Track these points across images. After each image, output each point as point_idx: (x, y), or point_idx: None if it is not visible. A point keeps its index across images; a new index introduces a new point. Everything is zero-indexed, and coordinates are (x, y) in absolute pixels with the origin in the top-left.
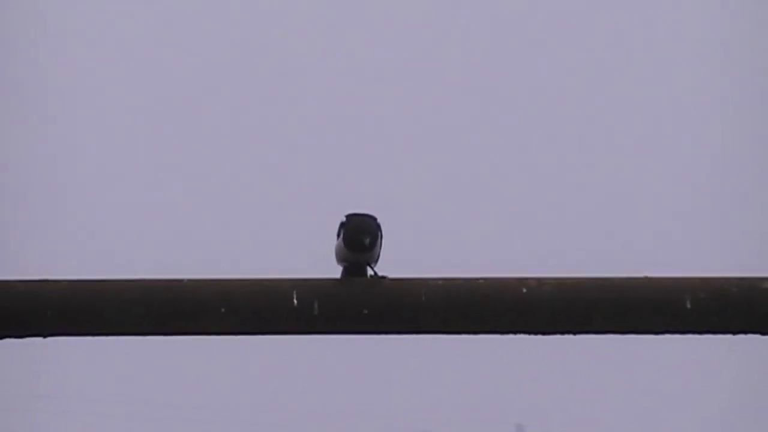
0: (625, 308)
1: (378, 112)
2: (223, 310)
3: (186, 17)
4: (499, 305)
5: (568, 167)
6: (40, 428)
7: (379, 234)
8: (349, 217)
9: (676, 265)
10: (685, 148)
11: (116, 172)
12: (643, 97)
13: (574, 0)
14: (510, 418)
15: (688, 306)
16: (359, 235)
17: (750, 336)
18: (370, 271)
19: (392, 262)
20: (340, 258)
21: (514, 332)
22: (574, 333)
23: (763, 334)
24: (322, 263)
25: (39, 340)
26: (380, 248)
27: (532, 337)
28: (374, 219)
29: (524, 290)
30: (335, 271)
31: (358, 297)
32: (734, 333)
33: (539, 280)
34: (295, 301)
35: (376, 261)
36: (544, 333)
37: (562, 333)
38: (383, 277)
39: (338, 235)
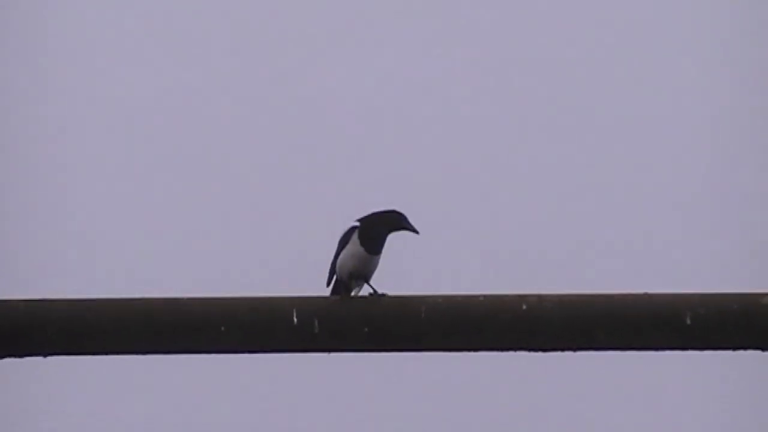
0: (625, 325)
1: (376, 127)
2: (223, 328)
3: (191, 18)
4: (500, 322)
5: (565, 181)
6: None
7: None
8: (363, 219)
9: (677, 282)
10: (687, 162)
11: (113, 186)
12: (640, 107)
13: (574, 4)
14: None
15: (689, 322)
16: (377, 227)
17: (750, 351)
18: (369, 289)
19: (392, 279)
20: (348, 267)
21: (515, 349)
22: (575, 350)
23: (764, 349)
24: (322, 280)
25: (39, 359)
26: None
27: (533, 354)
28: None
29: (524, 307)
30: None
31: (359, 315)
32: (734, 349)
33: (540, 296)
34: (296, 319)
35: (371, 275)
36: (544, 350)
37: (563, 350)
38: (383, 295)
39: (343, 243)
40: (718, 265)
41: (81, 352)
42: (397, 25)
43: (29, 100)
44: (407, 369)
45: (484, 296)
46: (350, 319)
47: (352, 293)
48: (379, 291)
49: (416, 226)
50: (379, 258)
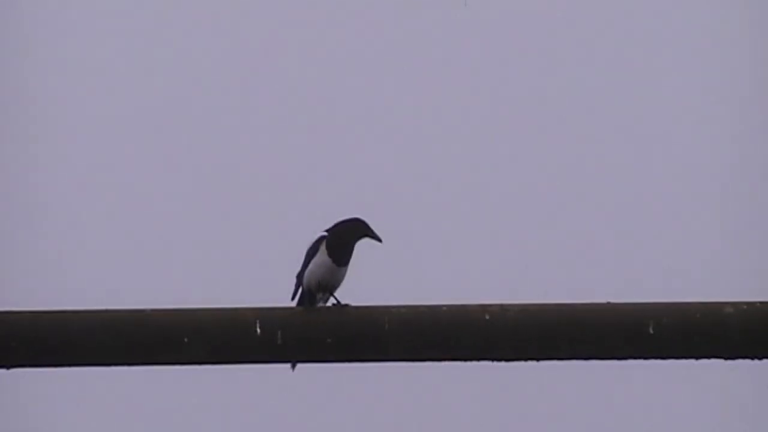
0: (588, 334)
1: (346, 135)
2: (186, 339)
3: (179, 23)
4: (463, 332)
5: (528, 188)
6: None
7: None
8: (330, 230)
9: (639, 291)
10: (654, 166)
11: (79, 198)
12: (614, 114)
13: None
14: None
15: (651, 331)
16: (354, 235)
17: (713, 361)
18: (332, 300)
19: (356, 290)
20: (316, 278)
21: (478, 359)
22: (538, 359)
23: (726, 359)
24: (286, 291)
25: (2, 371)
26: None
27: (499, 364)
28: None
29: (487, 317)
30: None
31: (322, 325)
32: (697, 358)
33: (502, 306)
34: (259, 330)
35: (339, 285)
36: (508, 360)
37: (527, 359)
38: (346, 305)
39: (311, 254)
40: (682, 274)
41: (45, 365)
42: (383, 28)
43: (14, 106)
44: (380, 378)
45: (447, 306)
46: (313, 329)
47: (318, 305)
48: (343, 301)
49: (379, 234)
50: (346, 269)
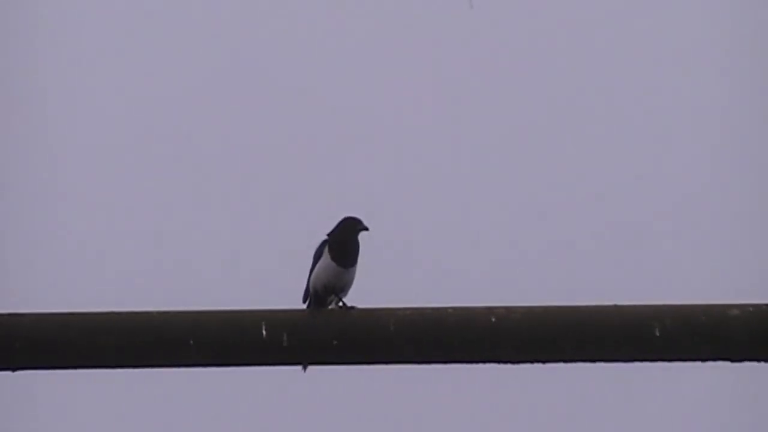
0: (593, 337)
1: (348, 136)
2: (191, 342)
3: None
4: (468, 334)
5: (532, 190)
6: None
7: (358, 254)
8: (331, 233)
9: (645, 293)
10: (659, 169)
11: (82, 198)
12: (615, 115)
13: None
14: None
15: (657, 334)
16: (353, 234)
17: (719, 363)
18: (337, 302)
19: (361, 292)
20: (322, 280)
21: (484, 361)
22: (544, 362)
23: (732, 361)
24: (294, 293)
25: (8, 373)
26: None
27: (503, 366)
28: (356, 229)
29: (493, 319)
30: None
31: (327, 328)
32: (703, 360)
33: (508, 308)
34: (264, 332)
35: (348, 288)
36: (513, 362)
37: (532, 362)
38: (352, 308)
39: (317, 257)
40: (688, 276)
41: (50, 367)
42: (380, 28)
43: (15, 106)
44: (388, 380)
45: (453, 309)
46: (319, 332)
47: (330, 307)
48: (349, 304)
49: (374, 226)
50: (353, 271)
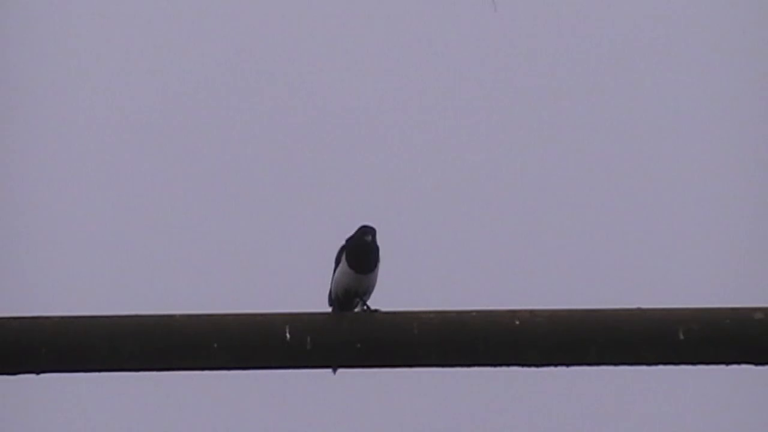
0: (618, 340)
1: (367, 139)
2: (215, 345)
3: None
4: (492, 338)
5: (558, 194)
6: None
7: (378, 259)
8: (349, 239)
9: (669, 296)
10: (683, 174)
11: (103, 201)
12: (632, 118)
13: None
14: None
15: (681, 337)
16: (363, 245)
17: (743, 366)
18: (362, 306)
19: (384, 296)
20: (342, 286)
21: (508, 365)
22: (568, 365)
23: (756, 364)
24: (316, 296)
25: (32, 376)
26: (377, 276)
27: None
28: (373, 235)
29: (517, 322)
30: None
31: (351, 331)
32: (727, 364)
33: (532, 312)
34: (288, 336)
35: (371, 291)
36: (537, 365)
37: (556, 365)
38: (375, 311)
39: (337, 262)
40: (712, 279)
41: (73, 370)
42: (384, 30)
43: (18, 107)
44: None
45: (477, 312)
46: (342, 335)
47: (356, 309)
48: (372, 307)
49: (377, 234)
50: (373, 276)
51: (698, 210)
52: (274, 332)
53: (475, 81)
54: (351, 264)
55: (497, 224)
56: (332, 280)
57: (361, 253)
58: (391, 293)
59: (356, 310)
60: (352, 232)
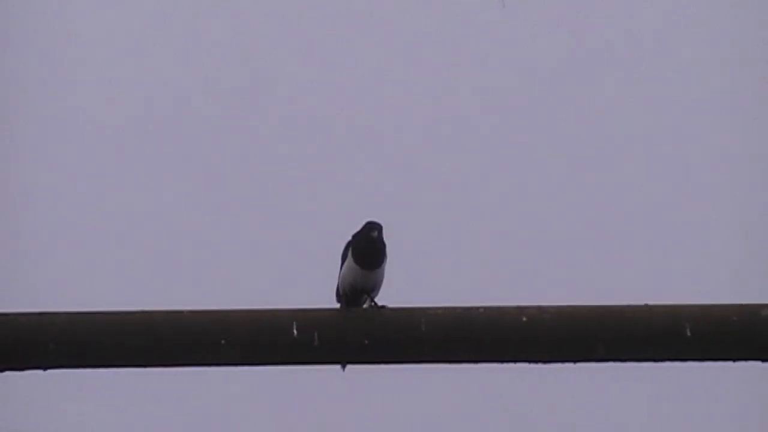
0: (625, 336)
1: (371, 133)
2: (223, 341)
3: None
4: (500, 334)
5: (565, 190)
6: None
7: (385, 255)
8: (355, 235)
9: (677, 293)
10: (689, 170)
11: (109, 196)
12: (636, 113)
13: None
14: None
15: (689, 334)
16: (369, 241)
17: (750, 363)
18: (369, 302)
19: (392, 292)
20: (349, 282)
21: (515, 361)
22: (575, 362)
23: (763, 361)
24: (323, 292)
25: (39, 372)
26: (384, 273)
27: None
28: (380, 231)
29: (524, 319)
30: (335, 301)
31: (358, 327)
32: (734, 360)
33: (540, 308)
34: (295, 332)
35: (378, 288)
36: (545, 362)
37: (563, 361)
38: (383, 307)
39: (344, 258)
40: (719, 276)
41: (81, 366)
42: (387, 26)
43: (20, 107)
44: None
45: (484, 308)
46: (350, 331)
47: (363, 306)
48: (380, 303)
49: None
50: (380, 272)
51: (706, 206)
52: (281, 328)
53: (481, 76)
54: (357, 260)
55: (505, 220)
56: (339, 276)
57: (367, 249)
58: (398, 289)
59: (364, 306)
60: (358, 228)
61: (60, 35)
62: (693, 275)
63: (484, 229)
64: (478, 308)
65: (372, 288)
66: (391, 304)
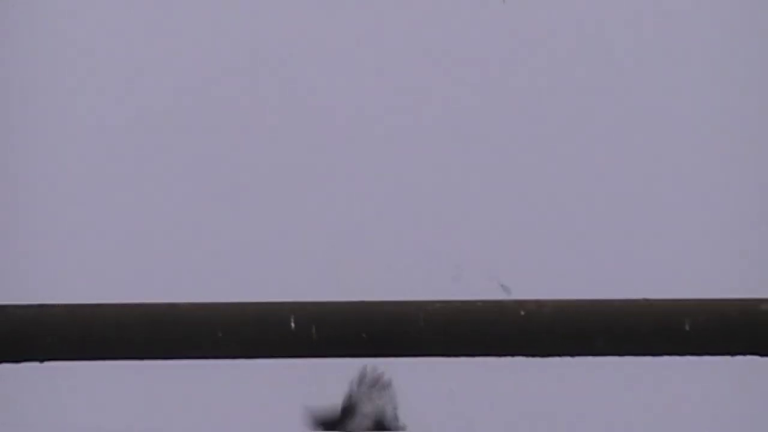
0: (624, 331)
1: (374, 133)
2: (220, 334)
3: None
4: (498, 328)
5: (562, 182)
6: None
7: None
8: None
9: (676, 287)
10: (688, 163)
11: (107, 189)
12: (636, 108)
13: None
14: None
15: (687, 328)
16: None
17: (749, 357)
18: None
19: (390, 285)
20: None
21: (513, 355)
22: (573, 355)
23: (762, 355)
24: (322, 285)
25: (35, 364)
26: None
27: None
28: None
29: (522, 313)
30: (335, 295)
31: (357, 321)
32: (733, 355)
33: (538, 302)
34: (293, 325)
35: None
36: (543, 356)
37: (561, 355)
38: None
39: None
40: (719, 270)
41: (78, 358)
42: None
43: (17, 98)
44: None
45: (482, 302)
46: (348, 325)
47: None
48: (379, 298)
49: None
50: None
51: (705, 200)
52: (279, 321)
53: (480, 70)
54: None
55: (502, 214)
56: None
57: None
58: (396, 283)
59: None
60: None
61: (60, 34)
62: (692, 269)
63: (481, 224)
64: (476, 302)
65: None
66: (388, 298)
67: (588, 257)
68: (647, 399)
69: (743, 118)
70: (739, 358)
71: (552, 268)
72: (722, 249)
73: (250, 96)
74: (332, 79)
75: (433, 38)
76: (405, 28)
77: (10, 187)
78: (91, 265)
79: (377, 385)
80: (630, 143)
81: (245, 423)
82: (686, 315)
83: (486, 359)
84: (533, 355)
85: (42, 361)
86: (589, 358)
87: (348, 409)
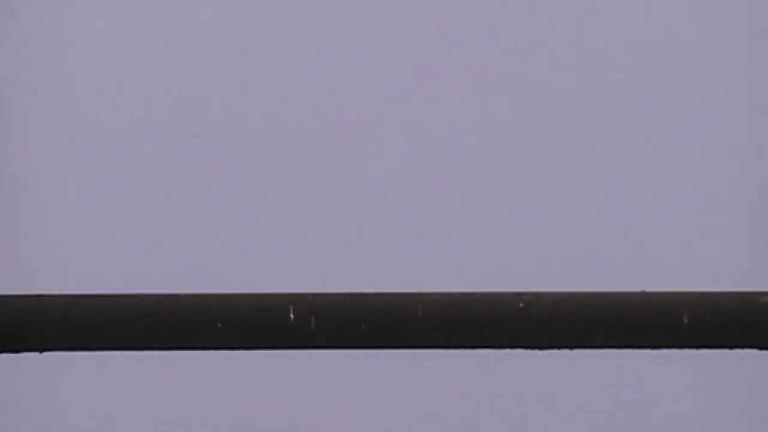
0: (623, 323)
1: (373, 131)
2: (219, 325)
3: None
4: (497, 320)
5: (562, 177)
6: None
7: None
8: None
9: (675, 280)
10: (688, 156)
11: (107, 181)
12: (636, 103)
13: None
14: None
15: (686, 321)
16: None
17: (747, 350)
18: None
19: (389, 277)
20: None
21: (512, 347)
22: (572, 348)
23: (761, 348)
24: (321, 276)
25: (35, 354)
26: None
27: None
28: None
29: (521, 305)
30: (333, 286)
31: (355, 312)
32: (731, 347)
33: (537, 294)
34: (292, 316)
35: None
36: (542, 348)
37: (561, 348)
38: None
39: None
40: (717, 263)
41: (77, 348)
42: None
43: (22, 93)
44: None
45: (481, 294)
46: (347, 316)
47: None
48: (374, 289)
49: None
50: None
51: (704, 193)
52: (278, 312)
53: (485, 65)
54: None
55: (502, 207)
56: None
57: None
58: (396, 274)
59: None
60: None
61: (59, 33)
62: (691, 262)
63: (482, 216)
64: (475, 294)
65: None
66: (388, 290)
67: (587, 250)
68: (644, 389)
69: (743, 115)
70: (738, 351)
71: (551, 261)
72: (721, 242)
73: (250, 96)
74: (332, 79)
75: (433, 38)
76: (405, 28)
77: (9, 182)
78: (90, 256)
79: None
80: (630, 139)
81: (244, 412)
82: (684, 307)
83: (485, 351)
84: (532, 347)
85: (41, 351)
86: (586, 351)
87: None
